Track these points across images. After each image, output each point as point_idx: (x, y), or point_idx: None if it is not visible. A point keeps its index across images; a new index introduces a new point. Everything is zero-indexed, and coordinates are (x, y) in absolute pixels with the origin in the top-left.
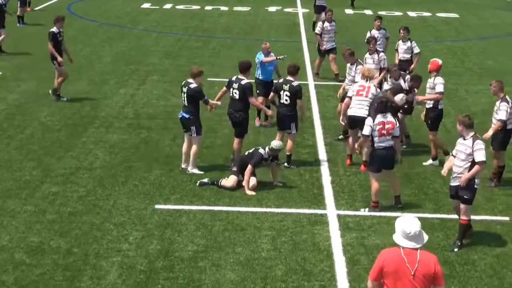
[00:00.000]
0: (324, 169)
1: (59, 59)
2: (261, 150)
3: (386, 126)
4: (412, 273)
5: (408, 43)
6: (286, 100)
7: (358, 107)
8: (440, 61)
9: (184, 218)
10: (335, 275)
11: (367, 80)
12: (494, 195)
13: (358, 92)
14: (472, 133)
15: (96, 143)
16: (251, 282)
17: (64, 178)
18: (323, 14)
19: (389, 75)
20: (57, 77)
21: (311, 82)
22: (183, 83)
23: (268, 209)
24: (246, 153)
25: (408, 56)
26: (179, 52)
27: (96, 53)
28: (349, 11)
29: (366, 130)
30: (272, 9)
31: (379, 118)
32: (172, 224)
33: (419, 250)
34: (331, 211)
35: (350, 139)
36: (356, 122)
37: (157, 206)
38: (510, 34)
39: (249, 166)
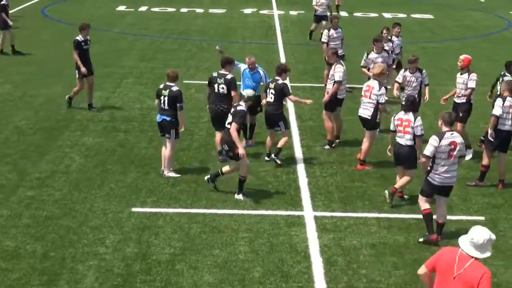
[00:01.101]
0: (301, 171)
1: (82, 69)
2: (240, 107)
3: (404, 124)
4: (454, 276)
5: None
6: (271, 98)
7: (363, 107)
8: (470, 57)
9: (161, 221)
10: (312, 276)
11: (374, 79)
12: (470, 195)
13: (364, 93)
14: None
15: (72, 147)
16: (229, 284)
17: (40, 181)
18: (323, 23)
19: (407, 68)
20: (88, 88)
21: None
22: (162, 86)
23: (245, 211)
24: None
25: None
26: (154, 54)
27: (71, 56)
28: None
29: (427, 150)
30: (247, 11)
31: (400, 114)
32: (149, 227)
33: (473, 259)
34: (308, 213)
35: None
36: (362, 122)
37: (133, 209)
38: (485, 35)
39: (234, 124)
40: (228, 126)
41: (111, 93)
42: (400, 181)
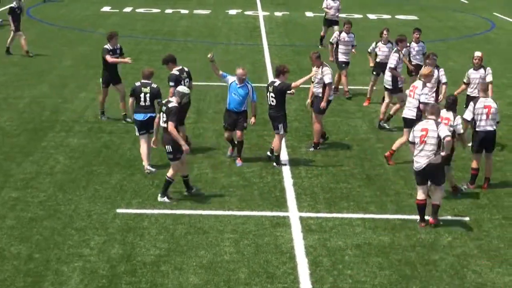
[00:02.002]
0: (286, 172)
1: (128, 59)
2: (172, 104)
3: (443, 121)
4: None
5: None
6: (272, 101)
7: (407, 108)
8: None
9: (146, 222)
10: (297, 277)
11: (420, 79)
12: (454, 195)
13: (409, 93)
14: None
15: (56, 148)
16: (214, 286)
17: (24, 183)
18: (335, 28)
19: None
20: (121, 99)
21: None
22: (140, 84)
23: (230, 212)
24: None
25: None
26: (139, 55)
27: (56, 56)
28: (309, 13)
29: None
30: (232, 12)
31: (442, 112)
32: (134, 228)
33: None
34: (293, 213)
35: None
36: (406, 123)
37: (118, 210)
38: (468, 35)
39: (171, 123)
40: (165, 125)
41: (96, 94)
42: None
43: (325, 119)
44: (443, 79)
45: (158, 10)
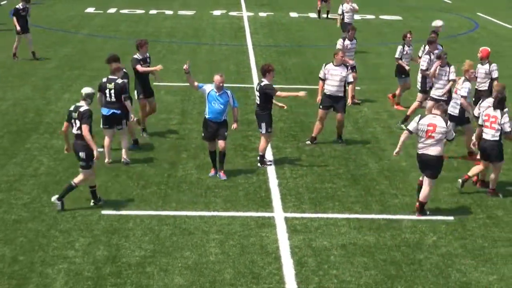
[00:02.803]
0: (271, 172)
1: (159, 66)
2: (84, 108)
3: (490, 119)
4: None
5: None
6: (258, 100)
7: (450, 105)
8: (489, 49)
9: (131, 223)
10: (283, 277)
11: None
12: (439, 195)
13: (455, 90)
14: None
15: (40, 149)
16: (200, 287)
17: (8, 185)
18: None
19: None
20: (147, 113)
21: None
22: (105, 80)
23: (215, 213)
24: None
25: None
26: (123, 56)
27: (41, 58)
28: (293, 14)
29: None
30: (216, 13)
31: (488, 110)
32: (119, 230)
33: None
34: (279, 214)
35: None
36: (450, 119)
37: (103, 212)
38: (452, 36)
39: (85, 126)
40: (79, 132)
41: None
42: (473, 170)
43: (310, 119)
44: (452, 76)
45: (143, 11)
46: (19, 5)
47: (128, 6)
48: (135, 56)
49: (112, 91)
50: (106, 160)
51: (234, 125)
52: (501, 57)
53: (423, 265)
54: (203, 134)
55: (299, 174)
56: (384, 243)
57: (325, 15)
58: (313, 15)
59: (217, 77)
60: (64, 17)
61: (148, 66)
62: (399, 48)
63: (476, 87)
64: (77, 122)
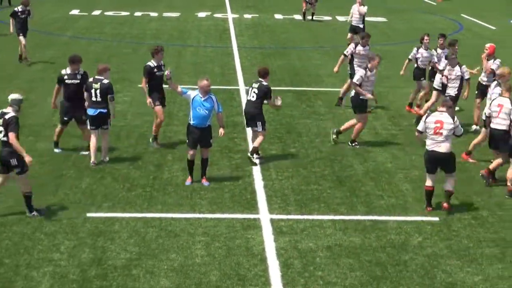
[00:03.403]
0: (257, 174)
1: (148, 100)
2: (9, 115)
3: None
4: None
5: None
6: (253, 96)
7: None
8: (494, 45)
9: (117, 225)
10: (269, 279)
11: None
12: (423, 195)
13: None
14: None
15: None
16: None
17: None
18: (354, 36)
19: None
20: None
21: (242, 87)
22: (92, 80)
23: (201, 215)
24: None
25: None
26: (108, 59)
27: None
28: (278, 16)
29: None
30: (201, 14)
31: (499, 100)
32: (104, 232)
33: None
34: (264, 216)
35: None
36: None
37: (89, 215)
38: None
39: (12, 134)
40: (5, 139)
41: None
42: (495, 162)
43: (296, 120)
44: (466, 75)
45: (127, 13)
46: (18, 8)
47: (112, 8)
48: (149, 63)
49: (98, 91)
50: (92, 161)
51: (222, 131)
52: None
53: (409, 266)
54: (187, 141)
55: (285, 175)
56: (370, 244)
57: (310, 17)
58: (298, 17)
59: (204, 82)
60: (48, 19)
61: (162, 75)
62: (414, 50)
63: (481, 81)
64: (2, 129)
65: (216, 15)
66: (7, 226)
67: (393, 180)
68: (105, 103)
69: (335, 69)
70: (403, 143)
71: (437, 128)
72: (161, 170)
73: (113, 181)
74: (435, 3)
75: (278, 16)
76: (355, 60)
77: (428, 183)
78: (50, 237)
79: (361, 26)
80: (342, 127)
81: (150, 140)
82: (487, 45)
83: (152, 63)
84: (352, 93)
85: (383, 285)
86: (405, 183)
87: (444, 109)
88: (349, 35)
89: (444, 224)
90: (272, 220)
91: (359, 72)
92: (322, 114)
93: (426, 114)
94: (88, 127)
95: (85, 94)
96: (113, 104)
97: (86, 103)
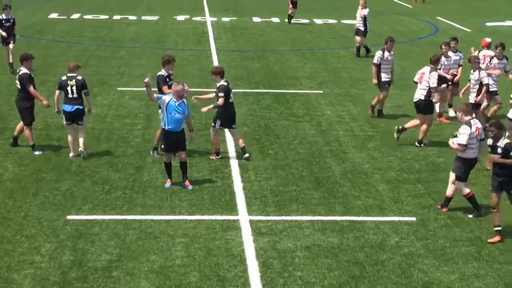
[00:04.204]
0: (236, 176)
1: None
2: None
3: None
4: None
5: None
6: (231, 99)
7: None
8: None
9: (97, 228)
10: (248, 279)
11: None
12: (401, 196)
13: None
14: (467, 118)
15: (5, 155)
16: None
17: None
18: (356, 37)
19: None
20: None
21: None
22: (65, 78)
23: (181, 217)
24: None
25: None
26: (87, 61)
27: (3, 64)
28: (256, 19)
29: None
30: (180, 18)
31: None
32: (84, 235)
33: None
34: (243, 217)
35: None
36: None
37: (69, 217)
38: (413, 40)
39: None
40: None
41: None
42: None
43: (274, 122)
44: (485, 80)
45: (106, 17)
46: (2, 15)
47: (91, 11)
48: (161, 73)
49: (74, 88)
50: (71, 155)
51: (193, 135)
52: None
53: (386, 266)
54: (163, 146)
55: (263, 177)
56: (348, 244)
57: (287, 20)
58: (276, 19)
59: (180, 87)
60: (28, 23)
61: (171, 84)
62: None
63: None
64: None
65: (194, 19)
66: None
67: (370, 181)
68: (80, 99)
69: (374, 81)
70: (380, 144)
71: (477, 135)
72: (141, 172)
73: (93, 184)
74: (411, 6)
75: (256, 19)
76: (382, 66)
77: (468, 189)
78: (30, 240)
79: (362, 28)
80: (406, 125)
81: (151, 152)
82: (483, 40)
83: (163, 72)
84: (418, 96)
85: (361, 284)
86: (382, 184)
87: (474, 115)
88: (358, 38)
89: (421, 224)
90: (251, 221)
91: (377, 53)
92: (300, 116)
93: (466, 127)
94: (64, 122)
95: (57, 92)
96: (89, 99)
97: (59, 100)
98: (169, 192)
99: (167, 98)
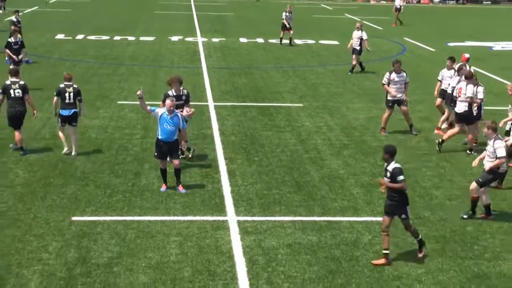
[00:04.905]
0: (224, 180)
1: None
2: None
3: None
4: None
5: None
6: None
7: None
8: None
9: (99, 228)
10: (236, 274)
11: None
12: (374, 199)
13: None
14: (494, 135)
15: (16, 163)
16: (162, 284)
17: None
18: (353, 56)
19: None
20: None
21: (211, 103)
22: (64, 86)
23: (175, 218)
24: None
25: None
26: (91, 78)
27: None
28: (243, 39)
29: None
30: (174, 38)
31: None
32: (88, 234)
33: None
34: (232, 218)
35: None
36: None
37: (74, 218)
38: (383, 58)
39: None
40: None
41: (51, 113)
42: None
43: (259, 132)
44: (480, 95)
45: (108, 37)
46: (11, 39)
47: (94, 32)
48: (168, 92)
49: (71, 94)
50: (66, 150)
51: (184, 145)
52: (425, 75)
53: (360, 261)
54: (155, 154)
55: (250, 182)
56: (325, 242)
57: (287, 41)
58: (261, 40)
59: (168, 102)
60: (36, 44)
61: (182, 103)
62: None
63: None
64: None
65: (187, 39)
66: (0, 229)
67: (346, 185)
68: (75, 104)
69: (389, 97)
70: (354, 152)
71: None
72: (139, 177)
73: (95, 188)
74: (381, 28)
75: (243, 39)
76: (391, 86)
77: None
78: (39, 239)
79: (358, 48)
80: (445, 137)
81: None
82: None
83: (172, 92)
84: (462, 108)
85: (338, 278)
86: (356, 188)
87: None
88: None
89: (392, 223)
90: (238, 222)
91: (385, 75)
92: (282, 127)
93: (496, 139)
94: (59, 124)
95: (55, 98)
96: (82, 104)
97: (57, 106)
98: (165, 196)
99: (160, 111)
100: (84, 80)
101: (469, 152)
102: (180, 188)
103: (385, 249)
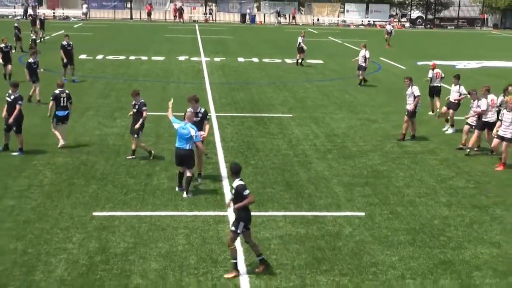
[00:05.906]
0: (225, 181)
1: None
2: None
3: None
4: None
5: (457, 87)
6: None
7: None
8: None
9: (117, 222)
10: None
11: None
12: (354, 196)
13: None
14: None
15: (45, 165)
16: (171, 270)
17: (19, 193)
18: (357, 72)
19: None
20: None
21: (213, 114)
22: (59, 92)
23: (182, 213)
24: None
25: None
26: (109, 92)
27: (44, 95)
28: (240, 59)
29: None
30: (181, 58)
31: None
32: (107, 227)
33: None
34: (231, 213)
35: None
36: None
37: (94, 213)
38: None
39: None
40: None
41: (75, 123)
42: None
43: (255, 139)
44: (483, 106)
45: (124, 57)
46: (31, 59)
47: (112, 53)
48: (189, 109)
49: (65, 98)
50: (61, 144)
51: (207, 155)
52: (398, 90)
53: (342, 250)
54: (174, 160)
55: (246, 182)
56: (312, 234)
57: (300, 61)
58: (256, 59)
59: (187, 114)
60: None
61: (200, 121)
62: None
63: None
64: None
65: (192, 59)
66: (31, 223)
67: (329, 185)
68: (67, 106)
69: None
70: (337, 156)
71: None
72: (151, 178)
73: (113, 187)
74: (359, 49)
75: (240, 59)
76: (407, 101)
77: None
78: (64, 231)
79: (363, 65)
80: (470, 144)
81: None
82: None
83: (190, 110)
84: (494, 117)
85: (323, 265)
86: (338, 187)
87: None
88: (357, 71)
89: (369, 218)
90: None
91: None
92: (275, 134)
93: None
94: (54, 123)
95: (51, 102)
96: (72, 106)
97: (52, 108)
98: (174, 194)
99: (176, 124)
100: (104, 95)
101: (489, 153)
102: (185, 194)
103: (233, 259)
